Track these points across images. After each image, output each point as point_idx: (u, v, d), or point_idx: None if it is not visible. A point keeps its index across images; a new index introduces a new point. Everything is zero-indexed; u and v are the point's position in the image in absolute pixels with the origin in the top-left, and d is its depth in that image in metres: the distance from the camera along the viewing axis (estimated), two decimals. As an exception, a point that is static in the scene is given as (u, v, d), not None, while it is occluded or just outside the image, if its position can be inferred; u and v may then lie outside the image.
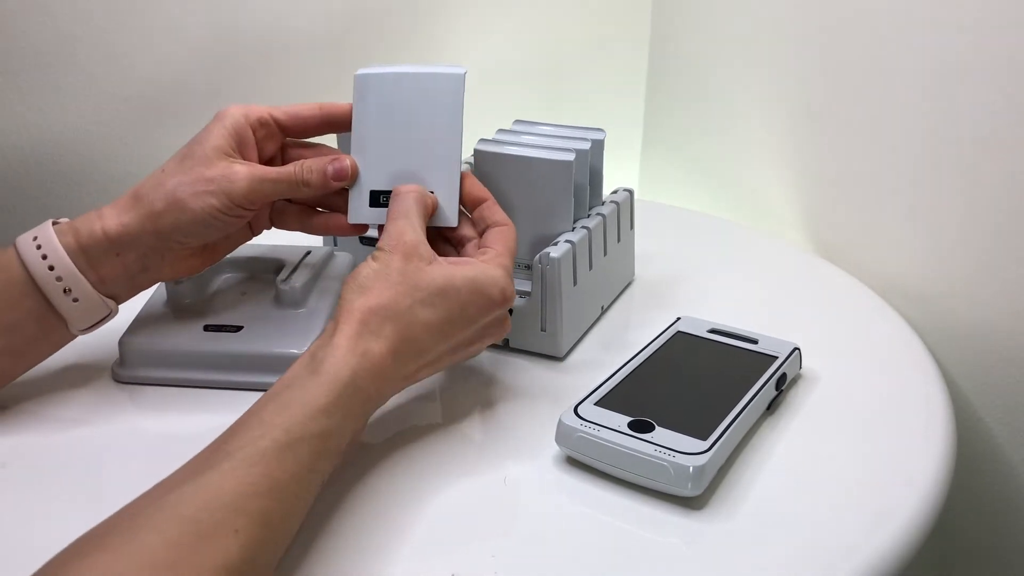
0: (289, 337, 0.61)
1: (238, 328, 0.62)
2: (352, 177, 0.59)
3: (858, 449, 0.55)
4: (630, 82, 1.09)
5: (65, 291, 0.55)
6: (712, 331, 0.63)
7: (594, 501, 0.51)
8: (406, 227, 0.54)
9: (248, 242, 0.69)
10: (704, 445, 0.50)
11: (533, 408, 0.59)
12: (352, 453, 0.53)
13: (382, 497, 0.51)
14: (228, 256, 0.67)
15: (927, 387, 0.62)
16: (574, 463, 0.53)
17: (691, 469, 0.49)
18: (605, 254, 0.69)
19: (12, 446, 0.55)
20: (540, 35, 1.04)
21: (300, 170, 0.58)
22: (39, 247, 0.54)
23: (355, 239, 0.75)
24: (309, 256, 0.67)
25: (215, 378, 0.61)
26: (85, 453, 0.55)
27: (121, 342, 0.61)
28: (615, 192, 0.73)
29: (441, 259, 0.54)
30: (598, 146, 0.69)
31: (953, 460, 0.56)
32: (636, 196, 0.75)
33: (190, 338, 0.61)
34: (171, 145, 0.60)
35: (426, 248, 0.53)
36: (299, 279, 0.64)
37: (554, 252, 0.62)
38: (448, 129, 0.59)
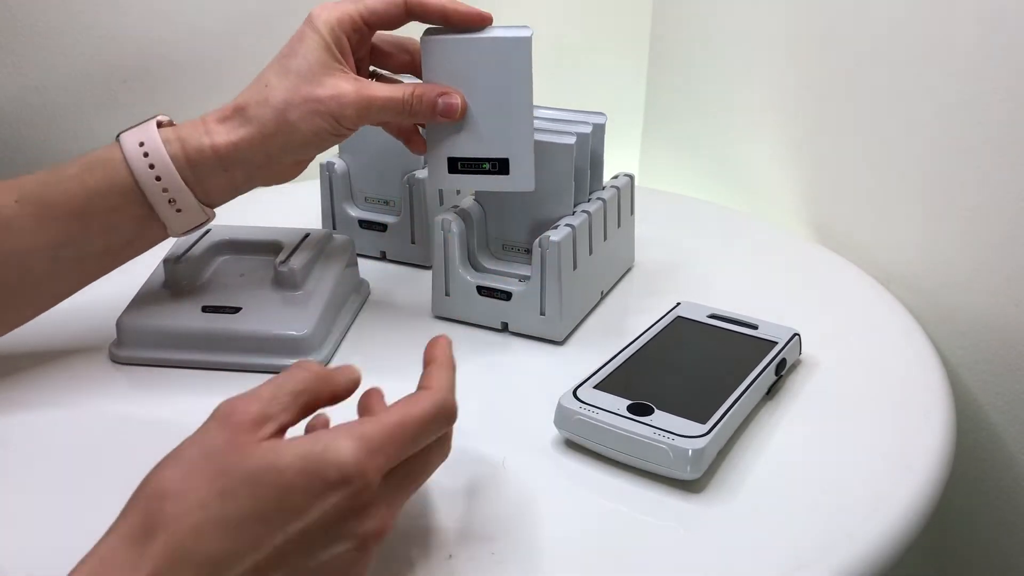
0: (287, 319, 0.61)
1: (236, 309, 0.62)
2: (461, 115, 0.59)
3: (857, 435, 0.55)
4: (631, 68, 1.08)
5: (170, 201, 0.55)
6: (712, 316, 0.63)
7: (593, 483, 0.51)
8: (265, 395, 0.39)
9: (247, 224, 0.70)
10: (703, 428, 0.50)
11: (532, 391, 0.59)
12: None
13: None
14: (227, 237, 0.67)
15: (927, 375, 0.62)
16: (573, 446, 0.53)
17: (690, 452, 0.49)
18: (605, 239, 0.69)
19: (8, 426, 0.55)
20: (542, 21, 1.04)
21: (410, 98, 0.57)
22: (146, 155, 0.54)
23: (355, 223, 0.75)
24: (308, 238, 0.67)
25: (213, 359, 0.60)
26: (81, 433, 0.55)
27: (119, 322, 0.61)
28: (616, 177, 0.73)
29: (281, 440, 0.38)
30: (599, 130, 0.68)
31: (952, 447, 0.55)
32: (636, 183, 0.74)
33: (188, 319, 0.61)
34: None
35: (271, 423, 0.38)
36: (297, 261, 0.63)
37: (554, 236, 0.62)
38: (519, 93, 0.59)
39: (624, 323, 0.68)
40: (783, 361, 0.58)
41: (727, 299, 0.67)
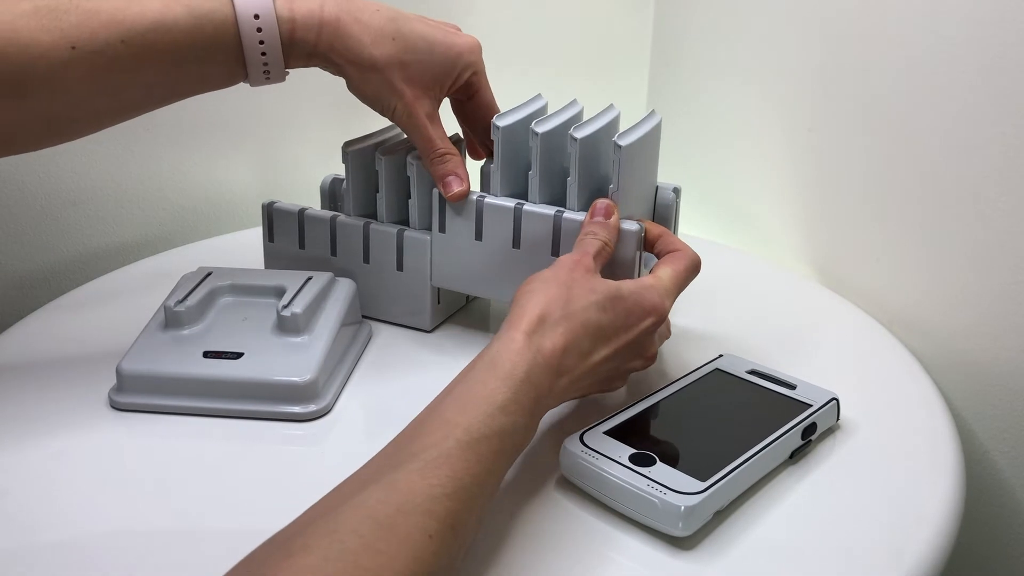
0: (290, 364, 0.60)
1: (238, 355, 0.61)
2: (454, 200, 0.66)
3: (866, 490, 0.54)
4: (630, 109, 1.08)
5: (265, 72, 0.60)
6: (752, 372, 0.62)
7: (589, 527, 0.51)
8: (584, 250, 0.58)
9: (250, 268, 0.69)
10: (701, 485, 0.49)
11: (546, 427, 0.59)
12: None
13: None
14: (228, 281, 0.67)
15: (933, 422, 0.61)
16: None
17: (682, 508, 0.48)
18: None
19: (8, 474, 0.54)
20: (541, 58, 1.04)
21: (436, 150, 0.65)
22: (259, 30, 0.58)
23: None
24: (310, 282, 0.66)
25: (214, 406, 0.60)
26: (81, 481, 0.54)
27: (119, 369, 0.60)
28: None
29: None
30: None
31: (963, 495, 0.55)
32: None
33: (189, 365, 0.60)
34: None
35: (592, 264, 0.57)
36: (300, 304, 0.63)
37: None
38: None
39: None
40: (813, 425, 0.56)
41: (726, 342, 0.66)
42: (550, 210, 0.64)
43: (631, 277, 0.62)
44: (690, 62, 1.00)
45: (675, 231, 0.69)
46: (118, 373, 0.60)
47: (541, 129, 0.63)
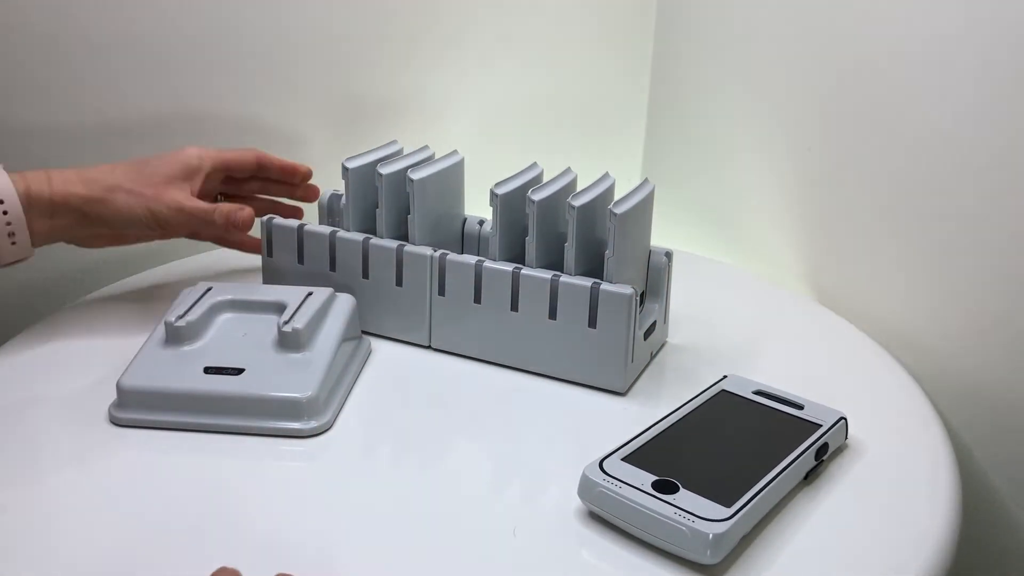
0: (291, 381, 0.60)
1: (239, 371, 0.61)
2: (247, 226, 0.72)
3: (888, 509, 0.54)
4: (630, 127, 1.09)
5: (9, 235, 0.63)
6: (757, 392, 0.61)
7: (612, 558, 0.50)
8: None
9: (250, 283, 0.69)
10: (727, 512, 0.48)
11: (562, 450, 0.59)
12: (375, 476, 0.51)
13: (405, 519, 0.50)
14: (229, 296, 0.67)
15: (931, 441, 0.61)
16: (597, 517, 0.52)
17: (711, 536, 0.47)
18: None
19: (7, 490, 0.54)
20: (542, 76, 1.04)
21: (212, 211, 0.70)
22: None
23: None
24: (311, 297, 0.66)
25: (215, 422, 0.59)
26: (82, 497, 0.54)
27: (119, 384, 0.60)
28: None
29: None
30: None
31: (959, 516, 0.55)
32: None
33: (190, 380, 0.60)
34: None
35: None
36: (301, 320, 0.63)
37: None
38: None
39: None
40: (825, 446, 0.56)
41: (727, 361, 0.67)
42: (547, 274, 0.65)
43: (623, 339, 0.64)
44: (690, 77, 1.00)
45: (667, 294, 0.71)
46: (118, 389, 0.60)
47: (537, 197, 0.65)
